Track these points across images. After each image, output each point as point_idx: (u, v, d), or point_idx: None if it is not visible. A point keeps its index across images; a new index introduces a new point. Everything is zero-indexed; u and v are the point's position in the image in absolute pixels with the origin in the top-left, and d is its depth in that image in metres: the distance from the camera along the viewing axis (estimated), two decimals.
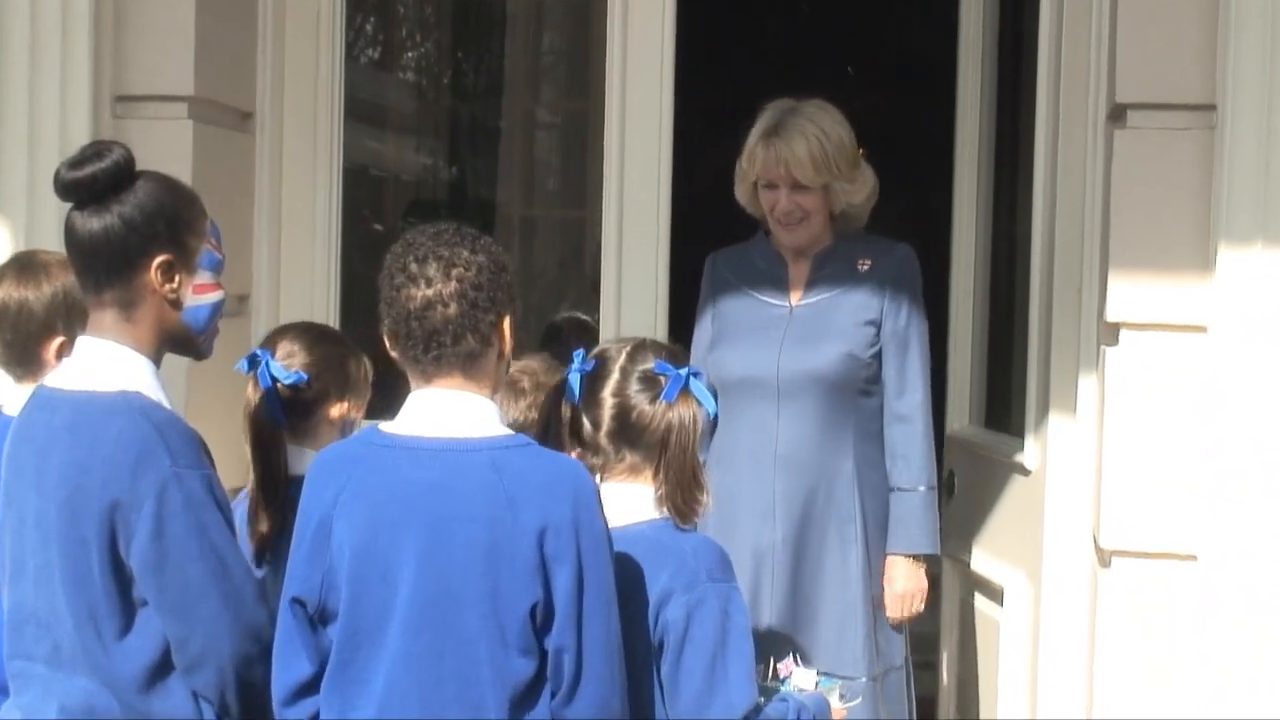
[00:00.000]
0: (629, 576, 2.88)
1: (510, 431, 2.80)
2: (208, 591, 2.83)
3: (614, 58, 4.68)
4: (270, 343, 3.43)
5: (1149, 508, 3.80)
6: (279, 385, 3.32)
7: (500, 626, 2.66)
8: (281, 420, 3.32)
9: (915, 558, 4.18)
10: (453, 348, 2.73)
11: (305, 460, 3.39)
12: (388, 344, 2.81)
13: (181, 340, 3.03)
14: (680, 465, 2.96)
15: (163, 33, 4.32)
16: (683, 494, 2.96)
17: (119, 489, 2.81)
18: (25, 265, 3.46)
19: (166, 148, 4.20)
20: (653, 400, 2.98)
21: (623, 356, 3.04)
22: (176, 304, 2.97)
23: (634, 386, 3.00)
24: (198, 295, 3.00)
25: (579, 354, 3.07)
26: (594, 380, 3.02)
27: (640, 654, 2.87)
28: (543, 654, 2.69)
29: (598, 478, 2.98)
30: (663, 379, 3.00)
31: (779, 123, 4.15)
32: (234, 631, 2.86)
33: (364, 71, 7.47)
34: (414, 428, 2.77)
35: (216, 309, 3.06)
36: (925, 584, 4.20)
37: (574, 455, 3.01)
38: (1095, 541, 3.93)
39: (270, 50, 4.72)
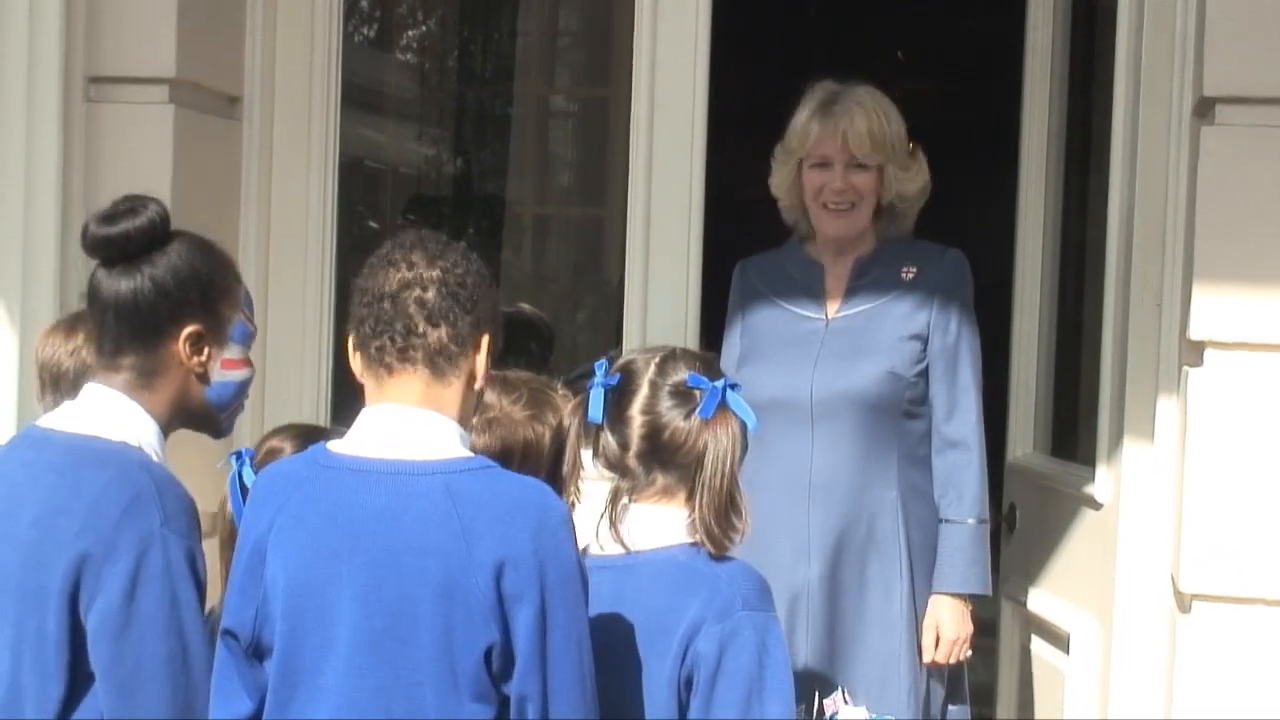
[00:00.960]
0: (628, 632, 2.89)
1: (470, 454, 2.77)
2: (160, 675, 2.82)
3: (643, 38, 4.68)
4: (261, 441, 3.44)
5: (1235, 547, 3.79)
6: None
7: (453, 671, 2.63)
8: None
9: (964, 599, 4.17)
10: (422, 338, 2.71)
11: None
12: (351, 347, 2.80)
13: (201, 417, 3.06)
14: (717, 488, 2.95)
15: (142, 8, 4.33)
16: (717, 519, 2.95)
17: (95, 539, 2.80)
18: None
19: (145, 135, 4.23)
20: (687, 417, 2.97)
21: (651, 369, 3.02)
22: (204, 378, 3.00)
23: (665, 402, 2.98)
24: (226, 371, 3.04)
25: (600, 365, 3.06)
26: (620, 396, 3.01)
27: (659, 700, 2.87)
28: (502, 701, 2.67)
29: (625, 500, 2.99)
30: (697, 393, 2.98)
31: (834, 97, 4.18)
32: None
33: (361, 53, 7.48)
34: (362, 447, 2.75)
35: (243, 387, 3.10)
36: (971, 628, 4.18)
37: (595, 474, 3.02)
38: (1174, 584, 3.91)
39: (260, 28, 4.72)
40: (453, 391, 2.76)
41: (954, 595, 4.15)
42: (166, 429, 3.01)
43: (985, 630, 4.37)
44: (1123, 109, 4.17)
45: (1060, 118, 4.87)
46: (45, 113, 4.17)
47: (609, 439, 3.02)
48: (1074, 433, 4.74)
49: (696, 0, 4.64)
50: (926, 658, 4.13)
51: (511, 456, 3.16)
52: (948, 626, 4.14)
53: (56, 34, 4.20)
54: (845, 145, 4.14)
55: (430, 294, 2.72)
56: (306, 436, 3.47)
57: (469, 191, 8.17)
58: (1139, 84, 4.11)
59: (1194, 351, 3.86)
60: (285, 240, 4.77)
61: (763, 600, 2.92)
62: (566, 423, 3.06)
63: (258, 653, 2.75)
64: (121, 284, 2.93)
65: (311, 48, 4.79)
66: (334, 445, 2.79)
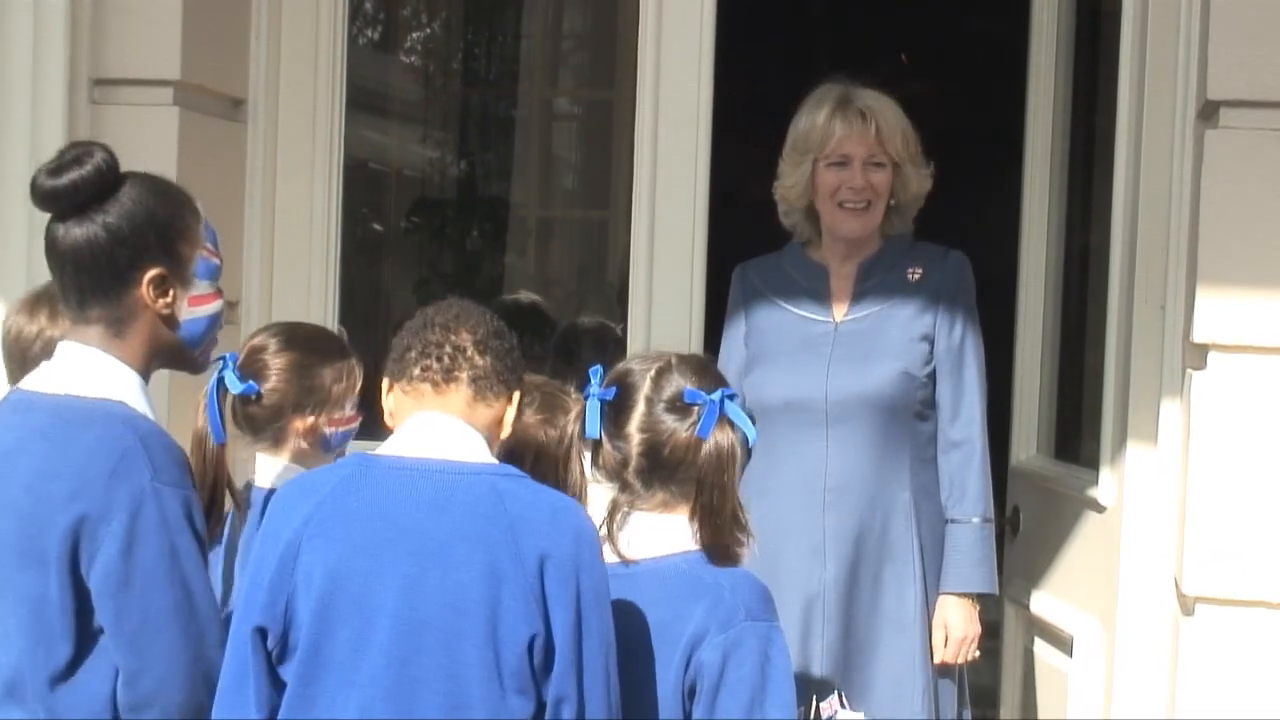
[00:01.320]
0: (642, 629, 2.89)
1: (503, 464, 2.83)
2: (169, 625, 2.82)
3: (647, 40, 4.68)
4: (245, 342, 3.44)
5: (1238, 550, 3.78)
6: (230, 394, 3.31)
7: (497, 660, 2.65)
8: (219, 432, 3.27)
9: (972, 598, 4.17)
10: (469, 360, 2.79)
11: (273, 470, 3.39)
12: (385, 387, 2.86)
13: (176, 356, 3.03)
14: (719, 507, 2.93)
15: (146, 10, 4.33)
16: (720, 537, 2.94)
17: (89, 501, 2.79)
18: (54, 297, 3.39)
19: (150, 138, 4.22)
20: (685, 432, 2.95)
21: (647, 384, 2.99)
22: (171, 320, 2.97)
23: (663, 418, 2.96)
24: (194, 308, 3.00)
25: (595, 371, 3.04)
26: (617, 411, 2.99)
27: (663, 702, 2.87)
28: (539, 702, 2.68)
29: (625, 510, 2.98)
30: (696, 408, 2.96)
31: (849, 96, 4.18)
32: (191, 675, 2.84)
33: (365, 55, 7.48)
34: (405, 449, 2.79)
35: (215, 320, 3.06)
36: (979, 629, 4.18)
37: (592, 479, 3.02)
38: (1177, 586, 3.91)
39: (265, 31, 4.72)
40: (487, 418, 2.82)
41: (961, 595, 4.15)
42: (146, 374, 2.98)
43: (989, 632, 4.36)
44: (1127, 112, 4.18)
45: (1064, 120, 4.87)
46: (50, 114, 4.16)
47: (607, 451, 3.00)
48: (1077, 435, 4.74)
49: (700, 2, 4.64)
50: (936, 658, 4.13)
51: (523, 461, 3.17)
52: (956, 626, 4.14)
53: (61, 36, 4.20)
54: (868, 142, 4.14)
55: (480, 331, 2.82)
56: (290, 330, 3.49)
57: (473, 194, 8.18)
58: (1143, 87, 4.11)
59: (1197, 354, 3.86)
60: (289, 243, 4.77)
61: (765, 609, 2.92)
62: (568, 436, 3.05)
63: (283, 653, 2.75)
64: (76, 235, 2.89)
65: (316, 50, 4.79)
66: (373, 451, 2.82)
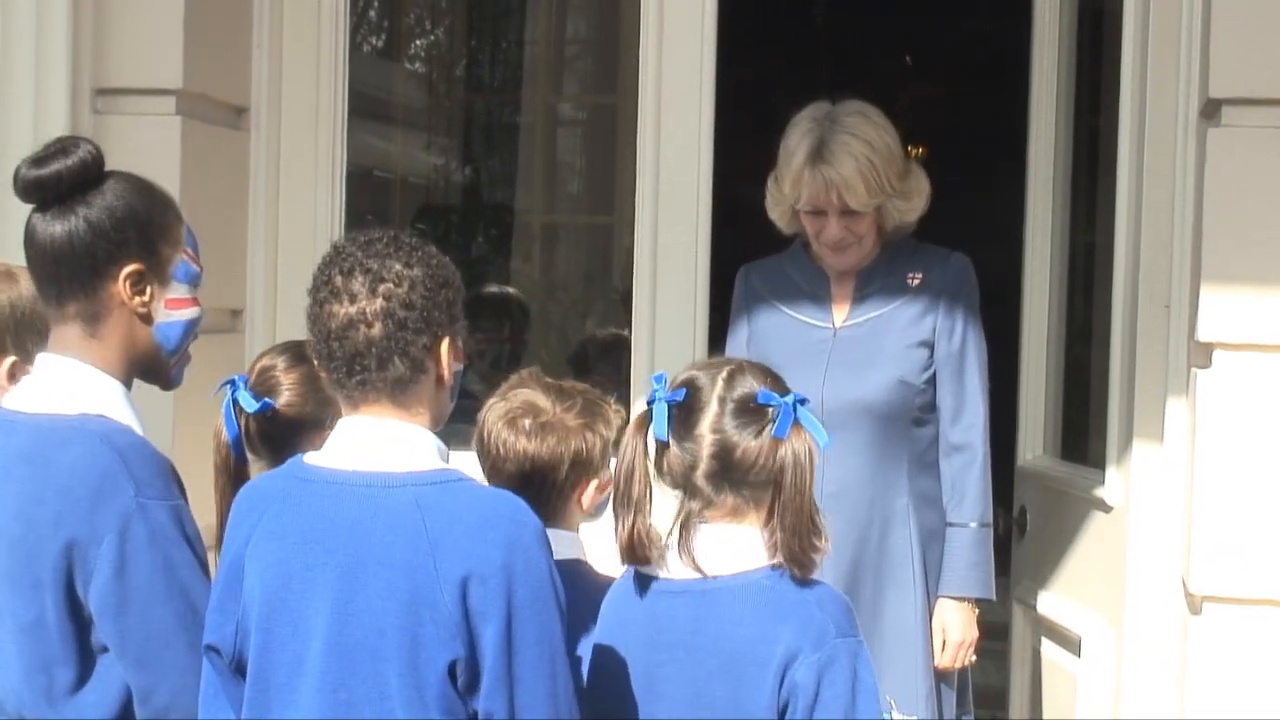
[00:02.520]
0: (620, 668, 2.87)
1: (444, 465, 2.74)
2: (174, 639, 2.81)
3: (649, 46, 4.67)
4: (253, 363, 3.43)
5: (1245, 549, 3.78)
6: (247, 415, 3.27)
7: (419, 685, 2.61)
8: (241, 454, 3.25)
9: (970, 602, 4.17)
10: (378, 373, 2.68)
11: None
12: (315, 363, 2.77)
13: (150, 362, 3.00)
14: (797, 509, 2.86)
15: (149, 19, 4.33)
16: (800, 541, 2.86)
17: (76, 525, 2.77)
18: None
19: (152, 147, 4.21)
20: (758, 435, 2.89)
21: (719, 385, 2.92)
22: (147, 319, 2.95)
23: (735, 420, 2.89)
24: (171, 310, 2.98)
25: (660, 377, 2.97)
26: (686, 413, 2.92)
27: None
28: (472, 717, 2.64)
29: (695, 520, 2.91)
30: (769, 410, 2.90)
31: (822, 142, 4.09)
32: None
33: (369, 63, 7.48)
34: (337, 460, 2.73)
35: (191, 327, 3.03)
36: (976, 632, 4.17)
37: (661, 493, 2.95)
38: (1185, 586, 3.91)
39: (267, 40, 4.72)
40: (420, 400, 2.74)
41: (959, 599, 4.15)
42: (128, 381, 2.95)
43: (996, 633, 4.36)
44: (1129, 111, 4.17)
45: (1067, 120, 4.86)
46: (53, 124, 4.15)
47: (674, 455, 2.92)
48: (1084, 436, 4.74)
49: (702, 5, 4.63)
50: (935, 662, 4.12)
51: (561, 463, 3.16)
52: (954, 630, 4.14)
53: (64, 46, 4.20)
54: (840, 199, 4.08)
55: (376, 330, 2.68)
56: (296, 347, 3.43)
57: (478, 200, 8.18)
58: (1145, 86, 4.11)
59: (1202, 353, 3.86)
60: (293, 251, 4.75)
61: (852, 624, 2.89)
62: (629, 442, 2.96)
63: (240, 668, 2.74)
64: (56, 227, 2.87)
65: (318, 58, 4.79)
66: (310, 458, 2.77)
